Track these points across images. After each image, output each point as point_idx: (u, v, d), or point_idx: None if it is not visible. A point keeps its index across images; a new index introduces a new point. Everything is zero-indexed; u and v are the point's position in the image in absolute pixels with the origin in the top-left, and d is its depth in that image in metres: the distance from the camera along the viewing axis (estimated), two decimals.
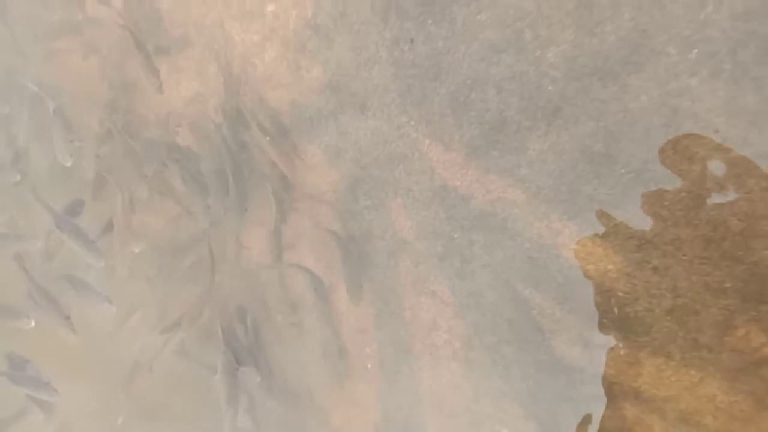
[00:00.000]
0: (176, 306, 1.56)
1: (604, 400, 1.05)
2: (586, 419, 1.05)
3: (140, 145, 1.43)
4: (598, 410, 1.06)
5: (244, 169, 1.32)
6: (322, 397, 1.34)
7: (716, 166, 0.94)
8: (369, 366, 1.23)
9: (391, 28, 1.13)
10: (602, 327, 1.03)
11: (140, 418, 1.70)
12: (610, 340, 1.03)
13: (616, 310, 1.02)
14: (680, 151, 0.96)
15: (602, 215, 1.01)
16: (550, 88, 1.04)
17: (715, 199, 0.94)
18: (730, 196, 0.93)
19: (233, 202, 1.31)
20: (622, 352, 1.02)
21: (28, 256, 1.54)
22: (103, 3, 1.50)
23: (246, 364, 1.33)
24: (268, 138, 1.20)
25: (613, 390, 1.04)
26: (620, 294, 1.01)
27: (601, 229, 1.02)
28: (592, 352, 1.05)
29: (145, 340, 1.56)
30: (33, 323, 1.45)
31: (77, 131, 1.53)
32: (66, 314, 1.37)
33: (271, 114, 1.28)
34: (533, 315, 1.09)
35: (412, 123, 1.15)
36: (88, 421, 1.76)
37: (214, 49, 1.33)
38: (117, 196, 1.33)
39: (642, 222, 0.98)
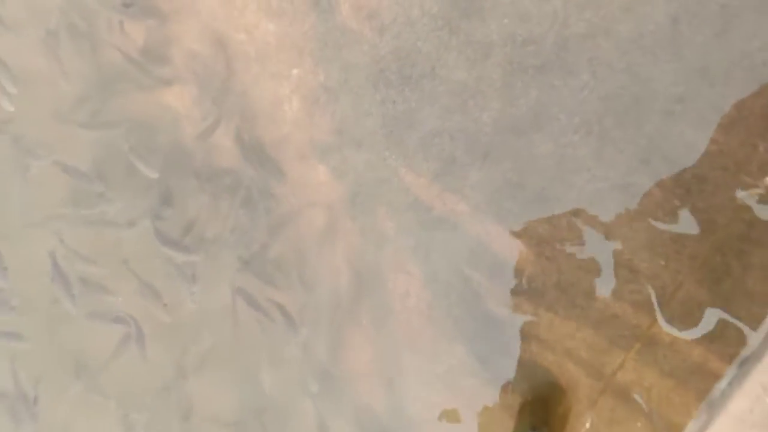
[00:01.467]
0: None
1: (519, 341, 1.61)
2: (507, 351, 1.61)
3: None
4: (515, 348, 1.62)
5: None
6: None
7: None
8: (364, 322, 1.78)
9: (380, 93, 1.65)
10: (515, 294, 1.59)
11: None
12: (522, 303, 1.59)
13: (525, 283, 1.58)
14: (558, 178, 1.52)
15: (517, 223, 1.57)
16: (483, 139, 1.58)
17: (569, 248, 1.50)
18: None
19: None
20: (529, 311, 1.59)
21: None
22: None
23: None
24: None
25: (525, 334, 1.60)
26: (527, 273, 1.57)
27: (516, 231, 1.58)
28: (513, 310, 1.61)
29: None
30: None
31: None
32: None
33: (293, 147, 1.79)
34: (474, 287, 1.64)
35: (393, 157, 1.68)
36: None
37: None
38: None
39: (539, 227, 1.54)
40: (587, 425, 1.46)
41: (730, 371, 0.85)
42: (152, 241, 1.88)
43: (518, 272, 1.58)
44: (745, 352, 0.70)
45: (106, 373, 1.96)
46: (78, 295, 1.89)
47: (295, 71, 1.74)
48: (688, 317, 1.45)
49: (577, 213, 1.52)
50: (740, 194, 1.39)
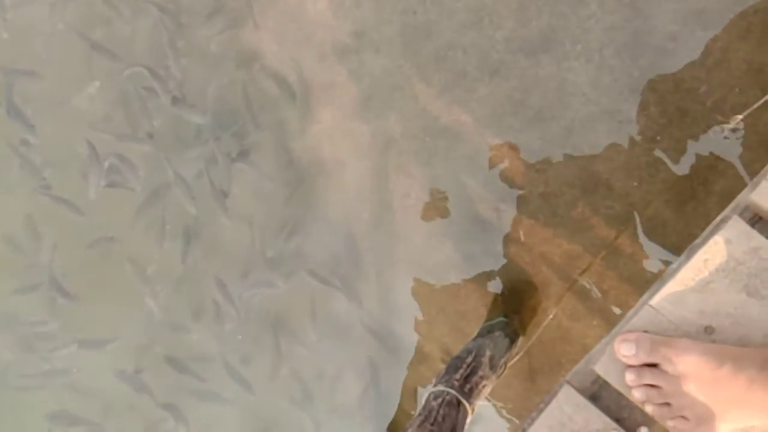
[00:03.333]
0: None
1: (502, 243, 1.82)
2: (490, 251, 1.82)
3: None
4: (498, 249, 1.83)
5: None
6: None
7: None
8: (364, 216, 1.96)
9: (402, 2, 1.77)
10: (503, 201, 1.78)
11: None
12: (508, 209, 1.79)
13: (513, 191, 1.77)
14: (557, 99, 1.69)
15: (514, 138, 1.74)
16: (494, 56, 1.72)
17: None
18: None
19: None
20: (513, 216, 1.78)
21: None
22: None
23: None
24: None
25: (507, 237, 1.81)
26: (517, 183, 1.76)
27: (513, 144, 1.75)
28: (500, 215, 1.81)
29: None
30: None
31: None
32: None
33: (313, 47, 1.91)
34: (468, 192, 1.83)
35: (408, 65, 1.81)
36: None
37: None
38: None
39: (534, 143, 1.72)
40: (550, 317, 1.69)
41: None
42: None
43: (508, 181, 1.77)
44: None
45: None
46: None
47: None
48: (651, 233, 1.66)
49: (569, 132, 1.70)
50: (712, 129, 1.57)
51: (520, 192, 1.76)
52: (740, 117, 1.48)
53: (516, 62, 1.71)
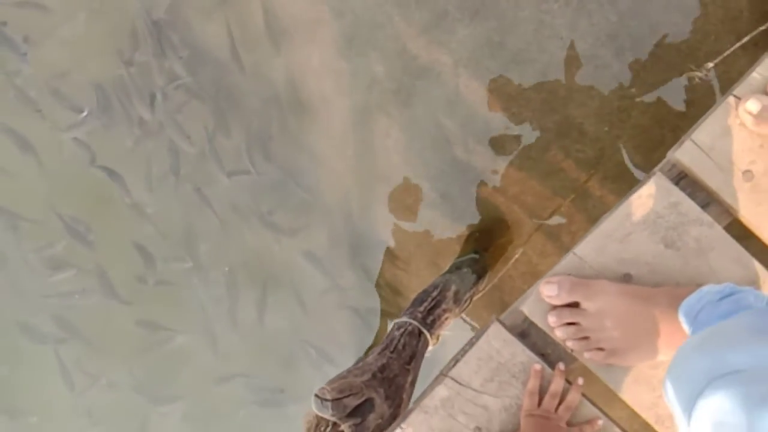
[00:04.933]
0: None
1: (477, 185, 1.88)
2: (465, 192, 1.88)
3: None
4: (473, 190, 1.89)
5: None
6: None
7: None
8: (348, 153, 2.01)
9: None
10: (479, 143, 1.82)
11: None
12: (484, 150, 1.83)
13: (488, 134, 1.81)
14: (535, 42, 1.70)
15: (492, 81, 1.76)
16: None
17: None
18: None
19: None
20: (489, 158, 1.83)
21: None
22: None
23: None
24: None
25: (483, 180, 1.86)
26: (492, 126, 1.80)
27: (490, 87, 1.78)
28: (476, 157, 1.86)
29: None
30: None
31: None
32: None
33: None
34: (445, 133, 1.87)
35: (389, 4, 1.81)
36: None
37: None
38: None
39: (510, 87, 1.74)
40: (517, 255, 1.77)
41: None
42: None
43: (485, 123, 1.80)
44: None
45: None
46: None
47: None
48: (619, 177, 1.71)
49: (544, 76, 1.72)
50: (685, 76, 1.59)
51: (495, 134, 1.80)
52: (711, 65, 1.49)
53: (496, 3, 1.71)
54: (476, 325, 1.95)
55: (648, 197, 0.88)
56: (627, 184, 1.72)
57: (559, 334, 0.93)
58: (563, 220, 1.79)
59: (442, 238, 1.94)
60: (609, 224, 0.89)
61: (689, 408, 0.58)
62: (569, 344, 0.93)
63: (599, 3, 1.63)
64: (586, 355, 0.92)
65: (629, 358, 0.91)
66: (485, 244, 1.81)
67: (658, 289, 0.87)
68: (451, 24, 1.76)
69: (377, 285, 2.09)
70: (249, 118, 2.02)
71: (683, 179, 0.90)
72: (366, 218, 2.04)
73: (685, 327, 0.80)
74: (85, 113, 2.13)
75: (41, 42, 2.11)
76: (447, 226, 1.92)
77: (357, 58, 1.89)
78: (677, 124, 1.65)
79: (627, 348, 0.89)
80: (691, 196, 0.89)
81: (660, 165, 0.93)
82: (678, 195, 0.87)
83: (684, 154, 0.87)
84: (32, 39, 2.11)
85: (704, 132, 0.87)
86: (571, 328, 0.91)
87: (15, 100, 2.17)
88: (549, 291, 0.91)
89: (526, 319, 0.96)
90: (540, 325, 0.94)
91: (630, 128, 1.68)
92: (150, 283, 2.15)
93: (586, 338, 0.91)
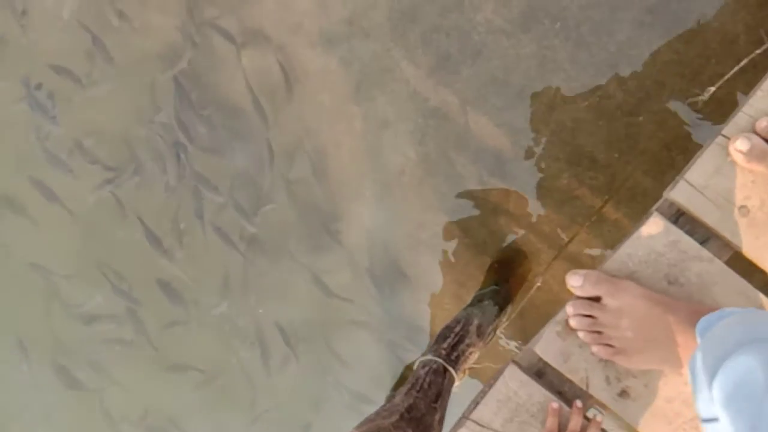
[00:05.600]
0: None
1: (492, 215, 1.92)
2: (482, 222, 1.92)
3: None
4: (489, 221, 1.93)
5: None
6: None
7: None
8: (366, 194, 2.07)
9: None
10: (492, 176, 1.87)
11: None
12: (497, 183, 1.88)
13: (497, 165, 1.86)
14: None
15: (499, 116, 1.82)
16: (476, 37, 1.78)
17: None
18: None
19: None
20: (503, 190, 1.88)
21: None
22: None
23: None
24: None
25: (497, 209, 1.91)
26: (503, 158, 1.85)
27: (497, 123, 1.83)
28: (490, 190, 1.90)
29: None
30: None
31: None
32: None
33: (304, 35, 1.99)
34: (458, 168, 1.92)
35: (397, 49, 1.88)
36: None
37: None
38: None
39: (516, 121, 1.79)
40: (538, 284, 1.80)
41: None
42: None
43: (495, 157, 1.85)
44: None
45: None
46: None
47: None
48: (633, 201, 1.74)
49: (551, 109, 1.77)
50: (689, 100, 1.62)
51: (507, 167, 1.84)
52: (713, 89, 1.52)
53: (497, 43, 1.77)
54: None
55: (648, 237, 0.92)
56: (641, 207, 1.75)
57: (573, 323, 0.97)
58: (581, 247, 1.82)
59: (463, 270, 1.98)
60: (612, 264, 0.93)
61: (714, 371, 0.63)
62: (581, 335, 0.96)
63: (597, 35, 1.68)
64: (594, 348, 0.95)
65: (635, 361, 0.94)
66: (505, 275, 1.85)
67: (681, 302, 0.91)
68: (455, 65, 1.83)
69: (404, 318, 2.14)
70: (269, 164, 2.11)
71: (681, 216, 0.94)
72: (387, 254, 2.09)
73: (699, 342, 0.83)
74: (113, 170, 2.24)
75: (70, 102, 2.23)
76: (467, 258, 1.96)
77: (367, 102, 1.96)
78: (686, 146, 1.68)
79: (636, 350, 0.92)
80: (690, 232, 0.92)
81: (657, 204, 0.96)
82: (676, 233, 0.91)
83: (679, 194, 0.91)
84: (61, 99, 2.24)
85: (697, 171, 0.91)
86: (586, 320, 0.95)
87: (46, 160, 2.30)
88: (574, 281, 0.96)
89: (541, 358, 1.00)
90: (554, 364, 0.98)
91: (639, 153, 1.71)
92: (182, 325, 2.24)
93: (598, 332, 0.95)
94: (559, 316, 0.98)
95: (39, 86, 2.22)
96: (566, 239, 1.83)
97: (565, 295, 1.89)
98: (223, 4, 1.99)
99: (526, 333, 1.93)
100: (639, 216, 1.76)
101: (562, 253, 1.84)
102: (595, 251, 1.79)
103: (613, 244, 1.79)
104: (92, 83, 2.14)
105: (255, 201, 2.14)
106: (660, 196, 1.77)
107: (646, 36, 1.64)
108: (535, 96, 1.77)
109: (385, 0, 1.85)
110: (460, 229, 1.97)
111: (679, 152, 1.68)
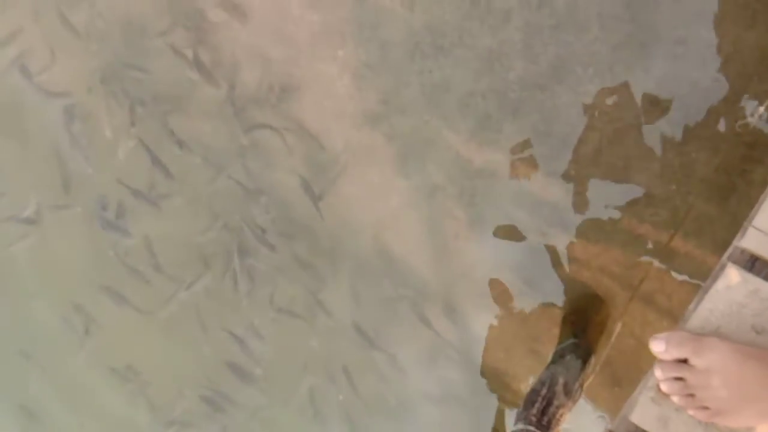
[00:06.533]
0: None
1: (560, 265, 1.90)
2: (549, 274, 1.91)
3: None
4: (557, 268, 1.91)
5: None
6: None
7: None
8: (424, 258, 2.10)
9: (417, 64, 1.89)
10: (551, 226, 1.86)
11: None
12: (558, 233, 1.87)
13: (555, 214, 1.85)
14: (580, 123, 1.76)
15: (549, 166, 1.83)
16: (512, 95, 1.82)
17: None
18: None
19: None
20: (564, 238, 1.86)
21: None
22: None
23: None
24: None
25: (564, 260, 1.89)
26: (560, 207, 1.84)
27: (549, 172, 1.84)
28: (552, 239, 1.89)
29: None
30: None
31: None
32: None
33: (348, 119, 2.07)
34: (515, 224, 1.92)
35: (434, 119, 1.93)
36: None
37: None
38: None
39: (569, 168, 1.80)
40: (617, 330, 1.76)
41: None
42: None
43: (552, 206, 1.85)
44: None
45: None
46: None
47: (340, 53, 1.99)
48: (700, 232, 1.70)
49: (598, 152, 1.76)
50: (739, 123, 1.59)
51: (564, 215, 1.84)
52: (762, 108, 1.49)
53: (533, 97, 1.80)
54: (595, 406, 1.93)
55: (726, 289, 0.90)
56: (710, 236, 1.70)
57: (664, 388, 0.94)
58: (655, 284, 1.78)
59: (536, 324, 1.95)
60: (695, 321, 0.92)
61: None
62: (674, 399, 0.93)
63: (632, 71, 1.68)
64: (690, 412, 0.92)
65: (735, 420, 0.90)
66: (582, 325, 1.82)
67: None
68: (496, 124, 1.86)
69: (484, 377, 2.11)
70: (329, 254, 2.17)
71: (756, 262, 0.92)
72: (457, 317, 2.09)
73: None
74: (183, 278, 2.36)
75: (141, 218, 2.37)
76: (539, 312, 1.94)
77: (415, 174, 2.01)
78: (744, 168, 1.64)
79: (733, 409, 0.88)
80: None
81: (728, 253, 0.95)
82: (755, 282, 0.89)
83: (750, 241, 0.90)
84: (133, 215, 2.39)
85: (764, 217, 0.89)
86: (677, 384, 0.92)
87: (126, 273, 2.44)
88: (657, 347, 0.93)
89: (638, 427, 0.98)
90: (650, 430, 0.96)
91: (697, 182, 1.68)
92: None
93: (692, 395, 0.92)
94: (651, 381, 0.96)
95: (105, 206, 2.38)
96: (638, 278, 1.79)
97: (648, 336, 1.85)
98: (266, 103, 2.11)
99: (616, 379, 1.87)
100: (710, 245, 1.72)
101: (636, 293, 1.80)
102: (675, 283, 1.74)
103: (688, 275, 1.74)
104: (160, 197, 2.29)
105: (318, 287, 2.20)
106: (727, 221, 1.73)
107: (682, 67, 1.64)
108: (581, 141, 1.77)
109: (416, 76, 1.92)
110: (525, 283, 1.96)
111: (737, 175, 1.64)
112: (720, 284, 0.91)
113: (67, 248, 2.47)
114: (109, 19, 2.18)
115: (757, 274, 0.90)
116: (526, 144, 1.84)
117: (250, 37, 2.09)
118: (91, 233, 2.41)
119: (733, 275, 0.90)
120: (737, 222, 1.66)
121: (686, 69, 1.64)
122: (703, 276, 1.72)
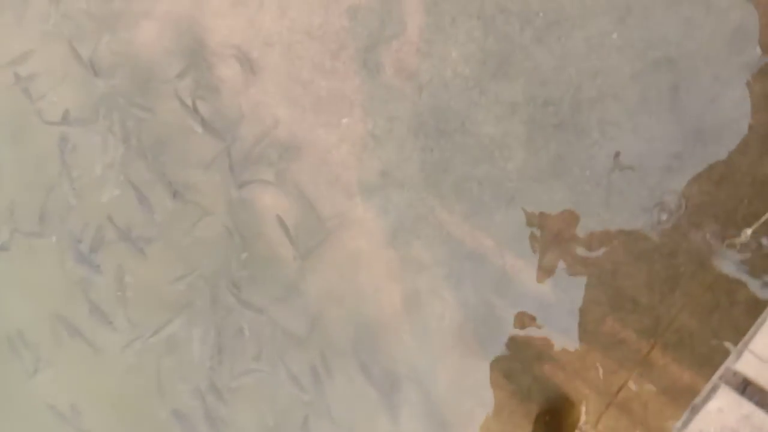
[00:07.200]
0: None
1: (536, 360, 1.87)
2: (526, 368, 1.87)
3: None
4: (533, 366, 1.88)
5: None
6: None
7: None
8: (404, 338, 2.05)
9: (420, 141, 1.92)
10: (533, 319, 1.85)
11: None
12: (540, 327, 1.85)
13: (539, 308, 1.84)
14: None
15: (533, 258, 1.83)
16: (508, 185, 1.84)
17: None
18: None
19: None
20: (545, 334, 1.84)
21: None
22: None
23: None
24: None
25: (541, 355, 1.86)
26: (544, 302, 1.83)
27: (534, 263, 1.84)
28: (532, 334, 1.87)
29: None
30: None
31: None
32: None
33: (341, 187, 2.07)
34: (498, 312, 1.90)
35: (430, 197, 1.94)
36: None
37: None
38: None
39: (554, 263, 1.80)
40: None
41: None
42: None
43: (537, 300, 1.84)
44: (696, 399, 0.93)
45: None
46: None
47: (344, 120, 2.02)
48: (680, 345, 1.69)
49: (588, 252, 1.77)
50: (727, 242, 1.62)
51: (550, 310, 1.83)
52: (750, 230, 1.53)
53: (529, 189, 1.82)
54: None
55: (717, 411, 0.88)
56: (689, 350, 1.70)
57: None
58: (632, 393, 1.75)
59: (510, 418, 1.90)
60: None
61: None
62: None
63: (628, 181, 1.72)
64: None
65: None
66: (555, 426, 1.77)
67: None
68: (488, 211, 1.87)
69: None
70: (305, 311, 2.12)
71: (749, 386, 0.91)
72: (428, 402, 2.03)
73: None
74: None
75: (116, 257, 2.30)
76: (512, 406, 1.89)
77: (403, 247, 2.00)
78: (729, 288, 1.65)
79: None
80: (761, 404, 0.89)
81: (720, 373, 0.94)
82: (748, 407, 0.87)
83: (745, 366, 0.89)
84: (108, 252, 2.31)
85: (762, 342, 0.89)
86: None
87: (89, 310, 2.33)
88: None
89: None
90: None
91: (682, 296, 1.69)
92: None
93: None
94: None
95: (81, 239, 2.31)
96: (615, 387, 1.77)
97: None
98: (262, 161, 2.11)
99: None
100: (688, 360, 1.72)
101: (613, 401, 1.77)
102: (652, 393, 1.72)
103: (664, 389, 1.72)
104: (140, 239, 2.23)
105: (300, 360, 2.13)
106: (707, 337, 1.73)
107: (676, 180, 1.68)
108: (572, 240, 1.79)
109: (417, 153, 1.94)
110: (503, 375, 1.92)
111: (722, 293, 1.66)
112: (712, 405, 0.89)
113: (33, 276, 2.38)
114: (119, 57, 2.20)
115: (750, 398, 0.89)
116: (517, 234, 1.85)
117: (258, 93, 2.11)
118: (61, 264, 2.33)
119: (725, 397, 0.89)
120: (718, 338, 1.67)
121: (679, 182, 1.68)
122: (679, 389, 1.70)
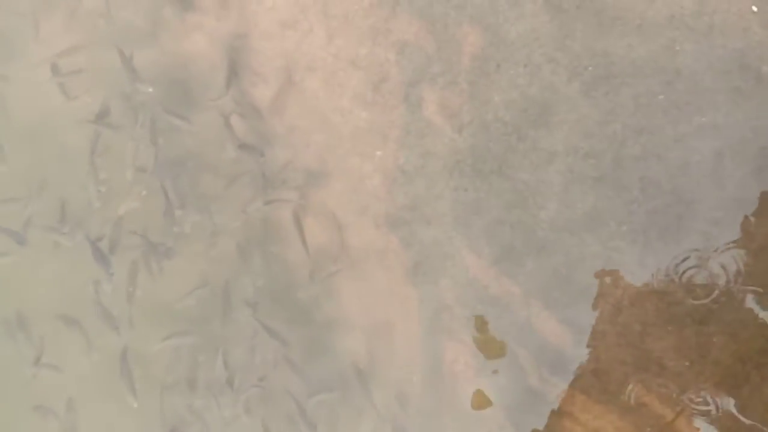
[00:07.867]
0: None
1: (554, 416, 1.81)
2: (542, 423, 1.81)
3: None
4: (552, 420, 1.82)
5: None
6: None
7: None
8: (413, 380, 2.00)
9: (454, 180, 1.91)
10: (555, 374, 1.80)
11: None
12: (560, 382, 1.80)
13: (564, 365, 1.79)
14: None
15: (562, 312, 1.79)
16: (540, 233, 1.82)
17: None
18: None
19: None
20: (565, 389, 1.79)
21: None
22: None
23: None
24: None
25: (559, 410, 1.80)
26: (567, 357, 1.78)
27: (561, 318, 1.80)
28: (552, 388, 1.82)
29: None
30: None
31: None
32: None
33: (369, 216, 2.05)
34: (519, 361, 1.86)
35: (459, 237, 1.92)
36: None
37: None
38: None
39: (582, 318, 1.76)
40: None
41: None
42: None
43: (559, 354, 1.80)
44: None
45: None
46: None
47: (378, 153, 2.01)
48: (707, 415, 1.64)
49: (618, 310, 1.74)
50: (762, 314, 1.59)
51: (570, 365, 1.78)
52: None
53: (561, 240, 1.80)
54: None
55: None
56: (716, 423, 1.64)
57: None
58: None
59: None
60: None
61: None
62: None
63: (664, 241, 1.70)
64: None
65: None
66: None
67: None
68: (518, 258, 1.84)
69: None
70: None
71: None
72: None
73: None
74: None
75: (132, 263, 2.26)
76: None
77: (424, 285, 1.96)
78: (760, 361, 1.61)
79: None
80: None
81: None
82: None
83: None
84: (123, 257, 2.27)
85: None
86: None
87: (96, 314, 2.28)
88: None
89: None
90: None
91: (711, 364, 1.64)
92: None
93: None
94: None
95: (99, 239, 2.26)
96: None
97: None
98: (290, 183, 2.09)
99: None
100: None
101: None
102: None
103: None
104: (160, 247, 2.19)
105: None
106: (738, 412, 1.68)
107: (713, 245, 1.66)
108: (601, 296, 1.76)
109: (450, 192, 1.92)
110: (515, 426, 1.86)
111: (753, 366, 1.62)
112: None
113: (46, 272, 2.33)
114: (163, 66, 2.21)
115: None
116: (544, 284, 1.82)
117: (295, 117, 2.11)
118: (78, 263, 2.29)
119: None
120: (746, 415, 1.61)
121: (716, 247, 1.66)
122: None
